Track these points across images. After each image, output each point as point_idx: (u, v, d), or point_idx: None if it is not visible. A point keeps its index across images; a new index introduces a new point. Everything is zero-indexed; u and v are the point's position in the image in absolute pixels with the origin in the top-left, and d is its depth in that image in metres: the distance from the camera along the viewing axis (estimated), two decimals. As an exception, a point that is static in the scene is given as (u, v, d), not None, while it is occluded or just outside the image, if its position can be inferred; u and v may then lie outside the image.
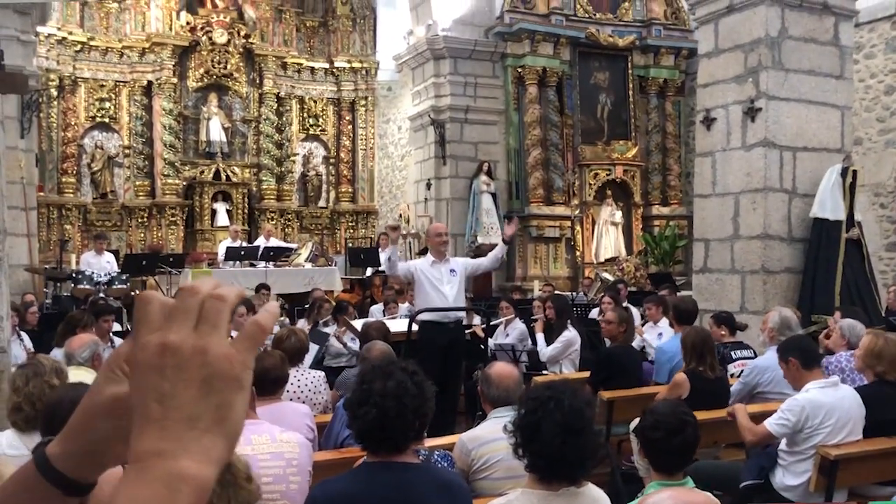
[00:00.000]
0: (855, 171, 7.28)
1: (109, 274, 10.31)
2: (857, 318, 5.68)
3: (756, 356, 5.77)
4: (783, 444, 4.05)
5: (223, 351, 0.60)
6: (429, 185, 13.78)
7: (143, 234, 14.90)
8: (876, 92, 10.94)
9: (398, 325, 6.65)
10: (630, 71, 14.56)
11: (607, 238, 13.93)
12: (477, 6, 13.52)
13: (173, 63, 14.81)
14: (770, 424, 3.97)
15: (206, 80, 15.26)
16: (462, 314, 6.66)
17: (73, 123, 14.37)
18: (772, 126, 7.30)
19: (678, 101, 14.84)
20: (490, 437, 3.03)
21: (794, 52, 7.37)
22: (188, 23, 14.94)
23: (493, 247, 12.97)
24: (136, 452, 0.57)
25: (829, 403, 3.90)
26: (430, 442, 3.20)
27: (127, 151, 14.94)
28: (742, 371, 5.51)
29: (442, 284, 6.37)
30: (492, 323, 6.99)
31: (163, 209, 14.84)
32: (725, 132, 7.67)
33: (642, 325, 7.55)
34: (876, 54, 10.94)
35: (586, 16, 14.12)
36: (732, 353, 5.91)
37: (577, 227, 13.81)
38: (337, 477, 2.35)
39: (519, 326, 7.30)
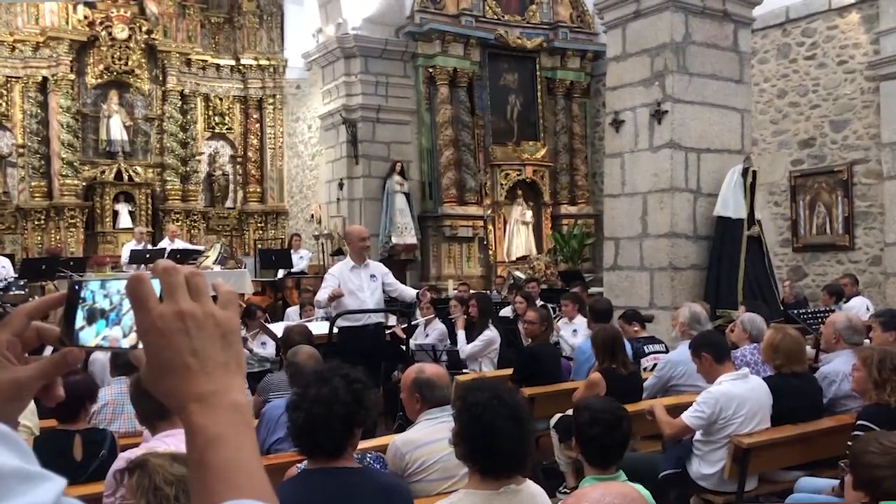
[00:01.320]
0: (755, 172, 7.65)
1: (5, 279, 9.81)
2: (759, 312, 5.98)
3: (668, 350, 6.00)
4: (698, 435, 4.23)
5: (225, 313, 0.76)
6: (341, 185, 13.68)
7: (40, 238, 14.19)
8: (769, 95, 11.51)
9: (316, 327, 6.58)
10: (538, 72, 14.84)
11: (518, 237, 14.17)
12: (387, 5, 13.50)
13: (70, 58, 14.14)
14: (686, 417, 4.14)
15: (105, 77, 14.65)
16: (380, 317, 6.66)
17: (-40, 121, 13.58)
18: (677, 128, 7.58)
19: (584, 103, 15.22)
20: (425, 440, 3.05)
21: (698, 57, 7.68)
22: (86, 17, 14.32)
23: (407, 247, 13.07)
24: (195, 394, 0.72)
25: (741, 395, 4.10)
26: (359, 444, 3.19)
27: (21, 150, 14.20)
28: (655, 365, 5.73)
29: (361, 291, 6.36)
30: (412, 323, 7.01)
31: (61, 211, 14.18)
32: (633, 134, 7.92)
33: (557, 321, 7.70)
34: (769, 59, 11.51)
35: (495, 17, 14.31)
36: (645, 347, 6.13)
37: (490, 227, 13.99)
38: (278, 486, 2.32)
39: (439, 326, 7.34)
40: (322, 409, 2.20)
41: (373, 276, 6.46)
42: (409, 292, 6.83)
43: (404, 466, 3.00)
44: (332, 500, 2.17)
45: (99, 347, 0.81)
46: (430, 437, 3.04)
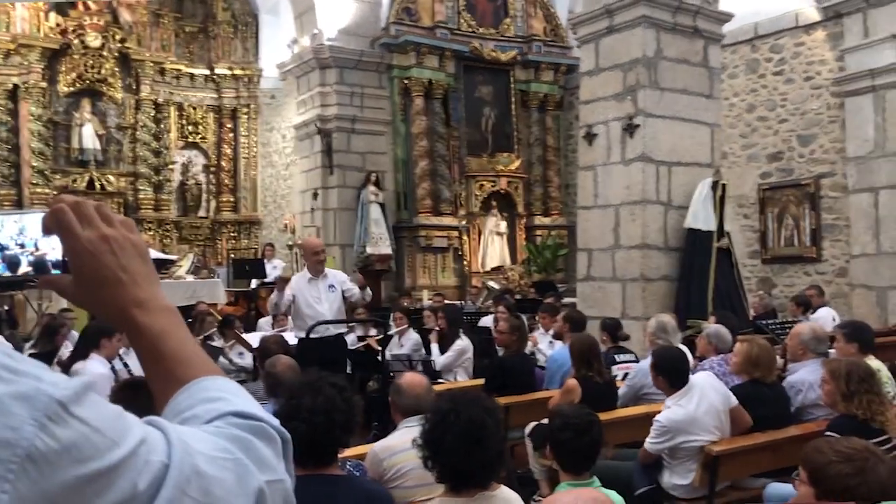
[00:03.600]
0: (724, 185, 7.79)
1: (-26, 289, 9.67)
2: (729, 323, 6.10)
3: (638, 360, 6.10)
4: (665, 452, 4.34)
5: (136, 236, 0.88)
6: (315, 195, 13.68)
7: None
8: (739, 109, 11.74)
9: (288, 338, 6.59)
10: (512, 85, 15.00)
11: (493, 248, 14.27)
12: (362, 17, 13.57)
13: (42, 66, 14.03)
14: (648, 446, 4.28)
15: (78, 85, 14.53)
16: (341, 328, 6.64)
17: (-72, 128, 13.39)
18: (649, 142, 7.71)
19: (558, 116, 15.40)
20: (401, 447, 3.10)
21: (669, 72, 7.83)
22: (58, 25, 14.21)
23: (382, 257, 13.08)
24: (133, 301, 0.84)
25: (688, 416, 4.18)
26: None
27: (-10, 158, 14.05)
28: (626, 374, 5.83)
29: (319, 303, 6.35)
30: (387, 333, 7.05)
31: None
32: (606, 147, 8.04)
33: (534, 333, 7.78)
34: (738, 74, 11.74)
35: (470, 30, 14.44)
36: (616, 356, 6.23)
37: (465, 237, 14.07)
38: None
39: (413, 336, 7.39)
40: (322, 418, 2.24)
41: (331, 286, 6.45)
42: (358, 298, 6.81)
43: (382, 472, 3.05)
44: (320, 505, 2.22)
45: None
46: (406, 444, 3.08)
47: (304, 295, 6.33)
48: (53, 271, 0.89)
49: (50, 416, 0.57)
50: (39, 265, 0.91)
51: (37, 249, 0.90)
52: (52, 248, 0.89)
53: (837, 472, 2.12)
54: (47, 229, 0.84)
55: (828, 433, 3.78)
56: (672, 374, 4.42)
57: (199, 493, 0.65)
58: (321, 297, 6.39)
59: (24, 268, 0.93)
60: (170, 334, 0.84)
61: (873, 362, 4.76)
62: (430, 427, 2.41)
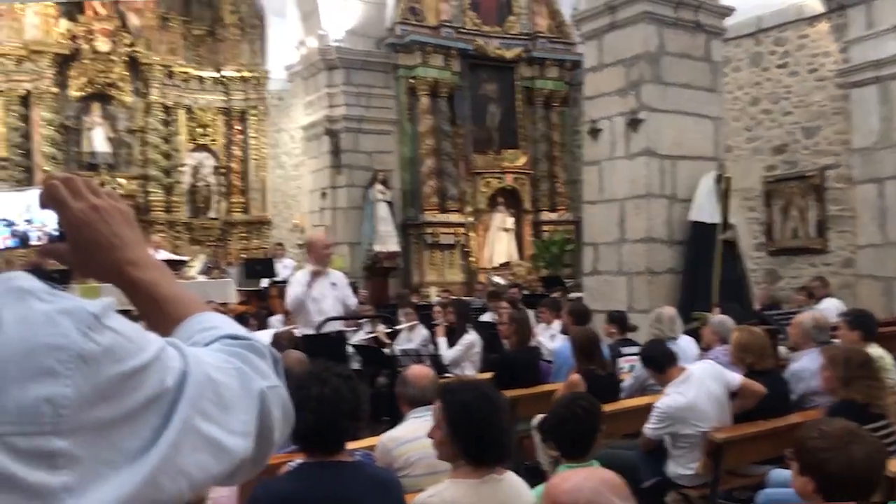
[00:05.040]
0: (728, 178, 7.86)
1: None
2: (733, 314, 6.17)
3: (644, 353, 6.18)
4: (668, 441, 4.42)
5: (122, 205, 0.97)
6: (324, 195, 13.79)
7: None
8: (742, 103, 11.78)
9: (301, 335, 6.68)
10: (517, 82, 15.06)
11: (500, 244, 14.35)
12: (368, 18, 13.67)
13: (53, 72, 14.20)
14: (648, 432, 4.38)
15: (88, 90, 14.67)
16: (341, 325, 6.74)
17: (-58, 135, 13.57)
18: (653, 136, 7.78)
19: (563, 111, 15.44)
20: (410, 437, 3.20)
21: (672, 67, 7.89)
22: (68, 30, 14.37)
23: (389, 255, 13.18)
24: (126, 261, 0.94)
25: (687, 401, 4.27)
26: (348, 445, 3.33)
27: (3, 164, 14.20)
28: (632, 366, 5.91)
29: (324, 300, 6.45)
30: (396, 328, 7.14)
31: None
32: (611, 142, 8.12)
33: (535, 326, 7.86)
34: (742, 68, 11.78)
35: (475, 28, 14.51)
36: (621, 349, 6.31)
37: (471, 234, 14.15)
38: (277, 477, 2.46)
39: (422, 332, 7.48)
40: (330, 408, 2.34)
41: (333, 283, 6.58)
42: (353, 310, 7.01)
43: (391, 462, 3.15)
44: (332, 491, 2.31)
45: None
46: (414, 434, 3.19)
47: (308, 292, 6.43)
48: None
49: (89, 325, 0.69)
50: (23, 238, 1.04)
51: (44, 226, 1.00)
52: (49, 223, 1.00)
53: (814, 446, 2.22)
54: (43, 204, 0.94)
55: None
56: (657, 360, 4.57)
57: (213, 395, 0.78)
58: (325, 294, 6.49)
59: (35, 242, 1.03)
60: (161, 283, 0.96)
61: (877, 350, 4.83)
62: (454, 406, 2.50)
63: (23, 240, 1.04)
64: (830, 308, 8.00)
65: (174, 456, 0.72)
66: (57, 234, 0.98)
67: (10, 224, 1.04)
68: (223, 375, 0.81)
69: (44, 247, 1.01)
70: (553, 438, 3.09)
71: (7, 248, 1.05)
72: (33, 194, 0.98)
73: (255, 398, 0.83)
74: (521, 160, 14.78)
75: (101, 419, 0.68)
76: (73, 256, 0.96)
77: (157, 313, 0.95)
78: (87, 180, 0.97)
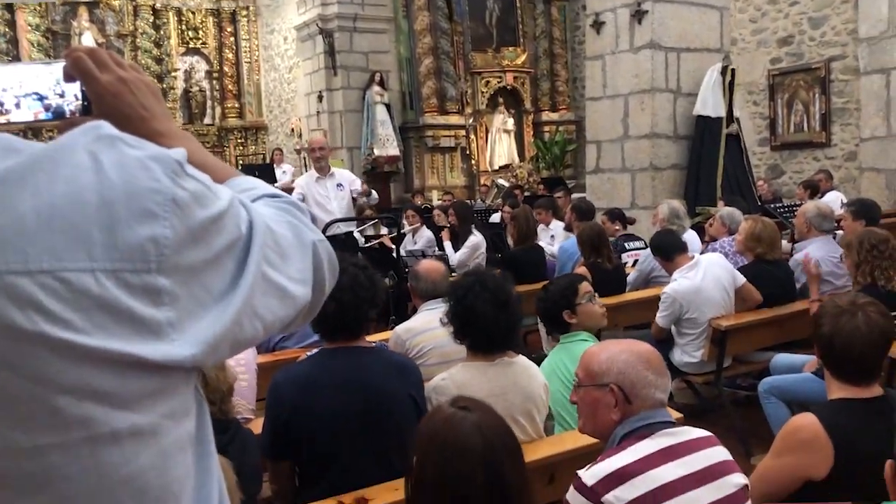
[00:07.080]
0: (733, 70, 7.71)
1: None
2: (737, 207, 6.17)
3: (647, 246, 6.22)
4: (673, 329, 4.50)
5: (147, 78, 0.96)
6: (320, 98, 13.57)
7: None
8: (749, -7, 11.44)
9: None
10: (516, -25, 14.59)
11: (501, 145, 14.21)
12: None
13: (36, -26, 13.77)
14: (659, 320, 4.47)
15: (73, -8, 14.29)
16: (350, 226, 6.75)
17: (-75, 42, 13.25)
18: (657, 28, 7.59)
19: (563, 6, 15.02)
20: (423, 328, 3.25)
21: (677, -45, 7.63)
22: (50, -71, 13.86)
23: (389, 158, 13.09)
24: (157, 131, 0.91)
25: (693, 286, 4.35)
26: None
27: (-9, 72, 13.93)
28: (636, 261, 5.96)
29: (329, 202, 6.41)
30: (401, 231, 7.15)
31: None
32: (614, 35, 7.92)
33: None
34: (749, -44, 11.39)
35: (472, -81, 13.95)
36: (626, 244, 6.35)
37: (472, 136, 14.00)
38: (298, 362, 2.51)
39: (426, 234, 7.49)
40: (350, 295, 2.38)
41: (339, 185, 6.52)
42: (371, 199, 7.00)
43: (405, 352, 3.21)
44: (347, 374, 2.37)
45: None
46: (427, 325, 3.24)
47: (312, 194, 6.40)
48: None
49: (175, 171, 0.72)
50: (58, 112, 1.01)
51: (77, 99, 0.98)
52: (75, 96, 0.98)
53: (822, 312, 2.29)
54: (68, 76, 0.92)
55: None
56: (666, 248, 4.62)
57: (274, 245, 0.82)
58: (330, 196, 6.45)
59: (68, 115, 1.01)
60: (194, 151, 0.94)
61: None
62: (459, 298, 2.55)
63: (56, 113, 1.02)
64: (834, 201, 8.01)
65: (251, 298, 0.77)
66: (83, 106, 0.96)
67: (41, 98, 1.02)
68: (279, 226, 0.85)
69: (72, 119, 0.98)
70: (543, 319, 3.24)
71: (39, 121, 1.03)
72: (61, 67, 0.95)
73: (308, 248, 0.88)
74: (521, 58, 14.47)
75: (194, 261, 0.72)
76: None
77: None
78: (112, 52, 0.96)
